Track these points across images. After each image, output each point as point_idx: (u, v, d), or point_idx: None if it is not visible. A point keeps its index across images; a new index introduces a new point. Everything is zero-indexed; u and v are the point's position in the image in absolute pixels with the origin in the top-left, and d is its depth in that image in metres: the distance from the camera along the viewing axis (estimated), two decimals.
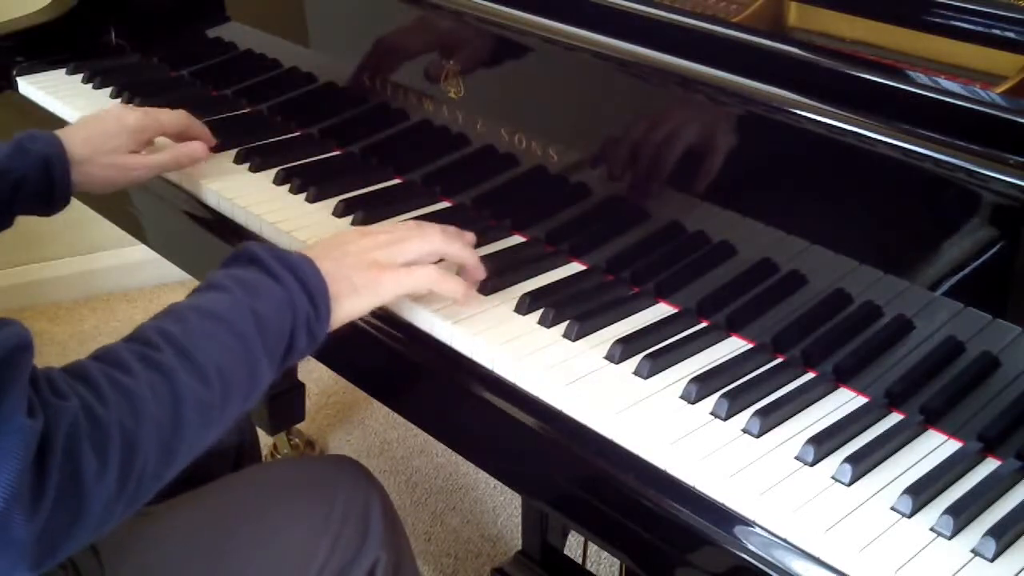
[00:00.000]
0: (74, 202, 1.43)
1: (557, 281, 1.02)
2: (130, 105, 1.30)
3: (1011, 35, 0.88)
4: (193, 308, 0.79)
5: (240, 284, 0.82)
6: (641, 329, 0.94)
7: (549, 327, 0.94)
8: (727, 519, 0.77)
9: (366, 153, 1.25)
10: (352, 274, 0.88)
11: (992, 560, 0.71)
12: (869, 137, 0.81)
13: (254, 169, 1.22)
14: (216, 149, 1.27)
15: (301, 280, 0.83)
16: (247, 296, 0.80)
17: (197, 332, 0.77)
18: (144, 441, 0.70)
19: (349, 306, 0.88)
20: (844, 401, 0.87)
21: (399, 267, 0.91)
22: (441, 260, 0.95)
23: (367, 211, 1.11)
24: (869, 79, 0.84)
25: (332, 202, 1.14)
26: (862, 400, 0.87)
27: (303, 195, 1.16)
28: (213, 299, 0.80)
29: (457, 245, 0.95)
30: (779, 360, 0.91)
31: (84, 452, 0.66)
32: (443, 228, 0.96)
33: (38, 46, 1.53)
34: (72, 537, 0.67)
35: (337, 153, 1.27)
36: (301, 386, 1.86)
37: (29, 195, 1.05)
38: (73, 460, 0.65)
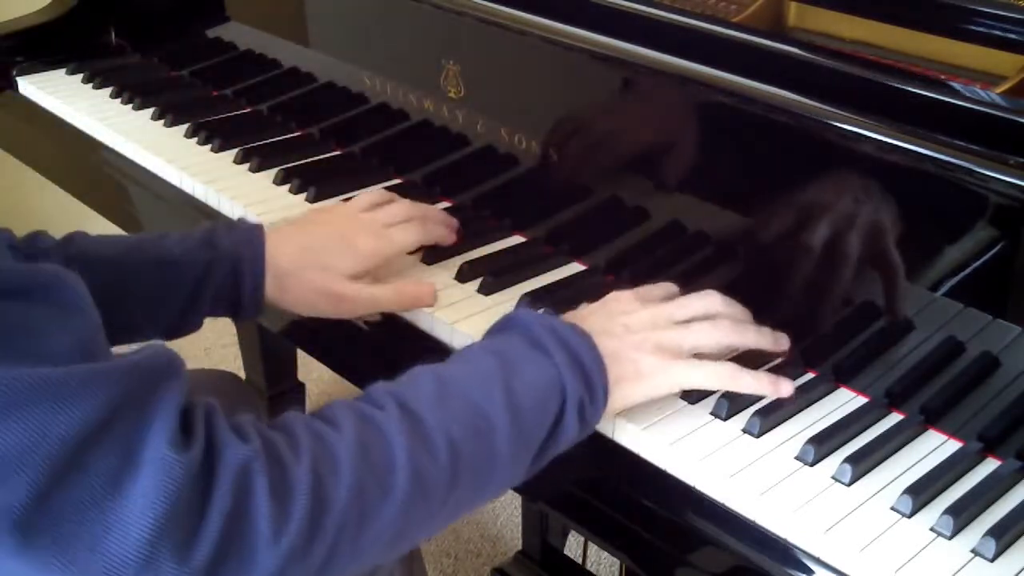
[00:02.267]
0: (74, 202, 1.44)
1: (557, 281, 1.02)
2: (359, 209, 0.99)
3: (1011, 35, 0.88)
4: (434, 372, 0.71)
5: (496, 354, 0.72)
6: None
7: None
8: (727, 519, 0.77)
9: (366, 153, 1.25)
10: (637, 356, 0.77)
11: (992, 560, 0.71)
12: (869, 137, 0.81)
13: (254, 169, 1.22)
14: (216, 149, 1.27)
15: (575, 356, 0.72)
16: (502, 367, 0.71)
17: (432, 397, 0.68)
18: (337, 503, 0.61)
19: (631, 392, 0.78)
20: (844, 401, 0.87)
21: (687, 355, 0.80)
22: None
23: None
24: (869, 79, 0.84)
25: (332, 202, 1.14)
26: (862, 400, 0.87)
27: (303, 195, 1.17)
28: (460, 367, 0.72)
29: (751, 334, 0.83)
30: (779, 360, 0.91)
31: (261, 497, 0.58)
32: (733, 311, 0.84)
33: (38, 46, 1.53)
34: None
35: (337, 153, 1.28)
36: (301, 386, 1.86)
37: (212, 296, 0.90)
38: (243, 506, 0.58)
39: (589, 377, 0.73)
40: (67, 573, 0.56)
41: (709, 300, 0.85)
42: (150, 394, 0.57)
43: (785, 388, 0.83)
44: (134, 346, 0.65)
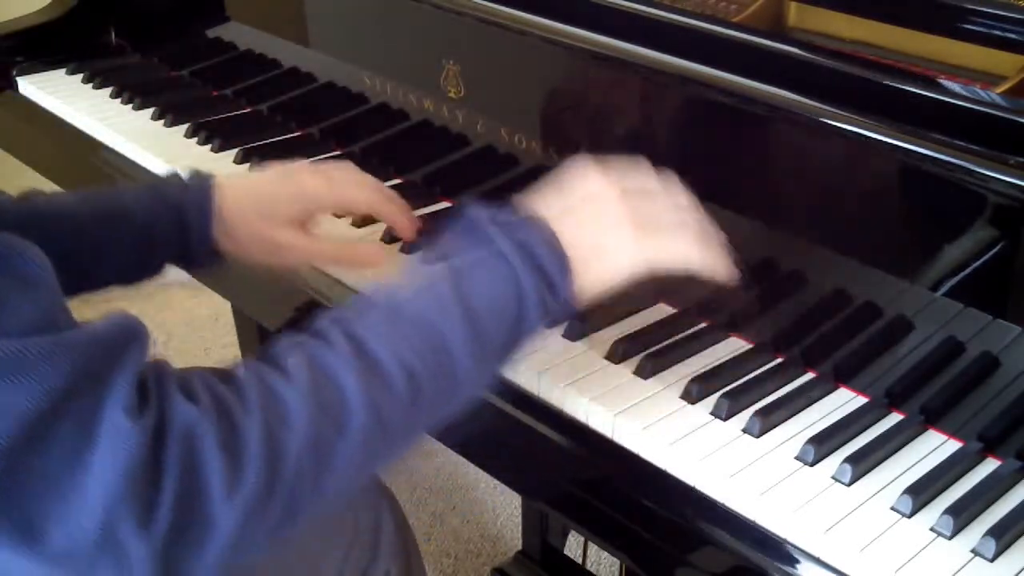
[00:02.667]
0: None
1: None
2: (311, 164, 1.01)
3: (1011, 35, 0.88)
4: (383, 296, 0.69)
5: (448, 263, 0.70)
6: (641, 329, 0.94)
7: (549, 327, 0.94)
8: (727, 519, 0.77)
9: (366, 153, 1.25)
10: (599, 235, 0.73)
11: (992, 560, 0.71)
12: (869, 137, 0.81)
13: (254, 169, 1.22)
14: (216, 149, 1.27)
15: (529, 252, 0.69)
16: (451, 276, 0.68)
17: (379, 323, 0.66)
18: (293, 451, 0.60)
19: (597, 275, 0.73)
20: (844, 401, 0.87)
21: (661, 229, 0.75)
22: None
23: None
24: (869, 79, 0.84)
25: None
26: (862, 400, 0.87)
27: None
28: (410, 285, 0.69)
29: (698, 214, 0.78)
30: (779, 360, 0.91)
31: (208, 458, 0.58)
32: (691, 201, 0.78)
33: (38, 46, 1.53)
34: (201, 558, 0.58)
35: (337, 153, 1.27)
36: None
37: (165, 245, 0.90)
38: (193, 466, 0.57)
39: (546, 270, 0.70)
40: (29, 546, 0.56)
41: (678, 195, 0.79)
42: (108, 365, 0.57)
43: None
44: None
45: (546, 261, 0.70)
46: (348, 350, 0.64)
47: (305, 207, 0.93)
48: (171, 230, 0.89)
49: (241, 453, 0.59)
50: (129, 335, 0.60)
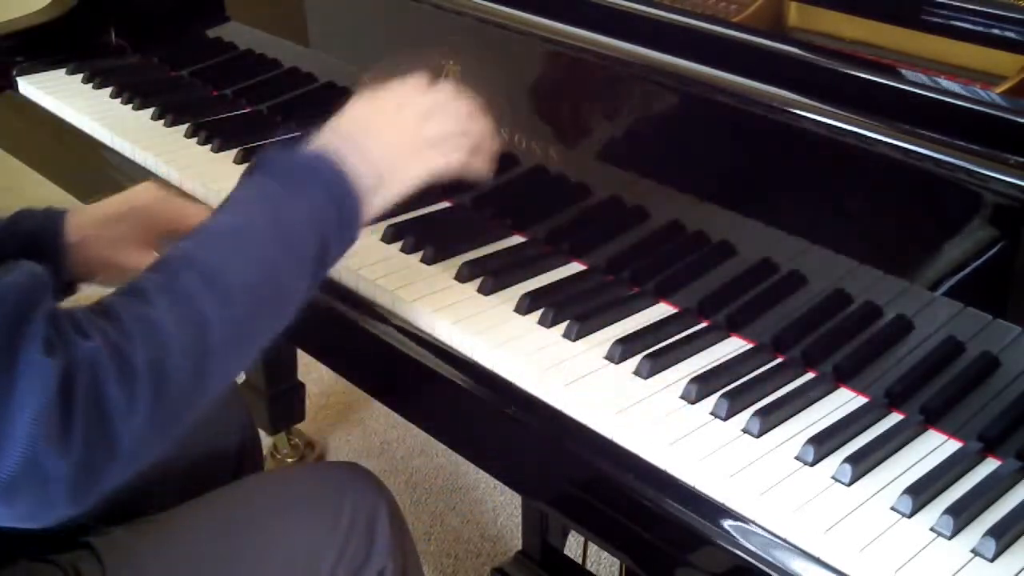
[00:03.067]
0: (74, 201, 1.44)
1: (557, 281, 1.02)
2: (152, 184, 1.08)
3: (1011, 35, 0.88)
4: (212, 231, 0.78)
5: (259, 198, 0.81)
6: (641, 329, 0.94)
7: (549, 327, 0.94)
8: (727, 519, 0.77)
9: None
10: (379, 161, 0.85)
11: (992, 560, 0.71)
12: (869, 137, 0.81)
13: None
14: (216, 149, 1.27)
15: (324, 186, 0.81)
16: (266, 209, 0.79)
17: (218, 254, 0.76)
18: (172, 369, 0.69)
19: (383, 197, 0.86)
20: (844, 401, 0.87)
21: (429, 148, 0.88)
22: None
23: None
24: (869, 79, 0.84)
25: None
26: (862, 400, 0.87)
27: None
28: (233, 218, 0.79)
29: (483, 126, 0.92)
30: (779, 360, 0.91)
31: (109, 388, 0.66)
32: (468, 107, 0.91)
33: (38, 46, 1.53)
34: (108, 470, 0.67)
35: None
36: (301, 386, 1.86)
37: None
38: (98, 396, 0.66)
39: (340, 202, 0.81)
40: None
41: (460, 109, 0.91)
42: (29, 308, 0.65)
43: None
44: None
45: (340, 197, 0.81)
46: (197, 276, 0.73)
47: (140, 221, 1.00)
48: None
49: (133, 379, 0.67)
50: (40, 283, 0.67)
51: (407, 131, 0.88)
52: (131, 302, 0.71)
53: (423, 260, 1.04)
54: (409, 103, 0.89)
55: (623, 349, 0.90)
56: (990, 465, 0.80)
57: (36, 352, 0.63)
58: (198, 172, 1.22)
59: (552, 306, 0.95)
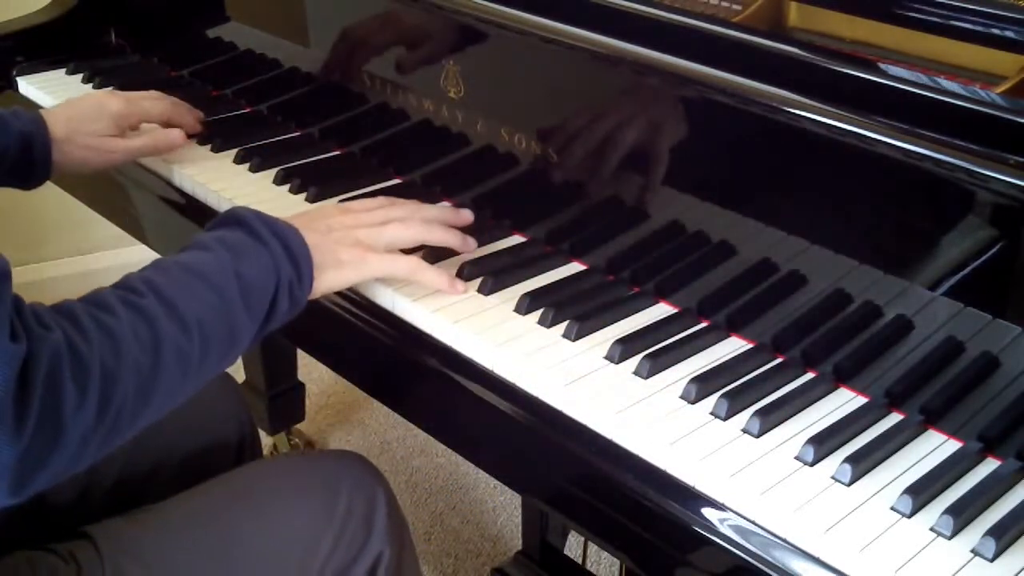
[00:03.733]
0: (74, 202, 1.44)
1: (557, 281, 1.02)
2: (115, 91, 1.31)
3: (1011, 35, 0.88)
4: (177, 263, 0.82)
5: (225, 245, 0.85)
6: (641, 329, 0.94)
7: (549, 327, 0.94)
8: (727, 519, 0.77)
9: (366, 153, 1.25)
10: (337, 248, 0.92)
11: (992, 560, 0.71)
12: (869, 137, 0.81)
13: (254, 169, 1.22)
14: (216, 149, 1.27)
15: (286, 246, 0.86)
16: (231, 257, 0.84)
17: (180, 285, 0.80)
18: (123, 379, 0.72)
19: (332, 278, 0.92)
20: (844, 401, 0.87)
21: (382, 250, 0.95)
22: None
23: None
24: (869, 79, 0.84)
25: (333, 202, 1.14)
26: (862, 400, 0.87)
27: (303, 195, 1.16)
28: (198, 257, 0.83)
29: (438, 232, 0.98)
30: (779, 360, 0.91)
31: (65, 382, 0.68)
32: (424, 213, 1.00)
33: (38, 46, 1.53)
34: (49, 466, 0.69)
35: (337, 153, 1.27)
36: (301, 386, 1.86)
37: (8, 169, 1.09)
38: (54, 388, 0.68)
39: (297, 263, 0.87)
40: None
41: (403, 207, 1.00)
42: None
43: (459, 286, 0.97)
44: None
45: (298, 256, 0.87)
46: (156, 301, 0.77)
47: (115, 122, 1.17)
48: (18, 156, 1.09)
49: (87, 378, 0.70)
50: (5, 271, 0.70)
51: (350, 236, 0.94)
52: (93, 309, 0.74)
53: (424, 258, 1.04)
54: (352, 215, 0.97)
55: (623, 349, 0.90)
56: (990, 465, 0.80)
57: (4, 338, 0.66)
58: (198, 172, 1.21)
59: (552, 306, 0.95)
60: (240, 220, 0.88)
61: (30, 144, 1.10)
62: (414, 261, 0.96)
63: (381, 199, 1.02)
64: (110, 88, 1.41)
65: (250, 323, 0.84)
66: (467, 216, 1.03)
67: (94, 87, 1.45)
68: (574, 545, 1.62)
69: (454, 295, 0.97)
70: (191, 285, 0.80)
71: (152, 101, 1.23)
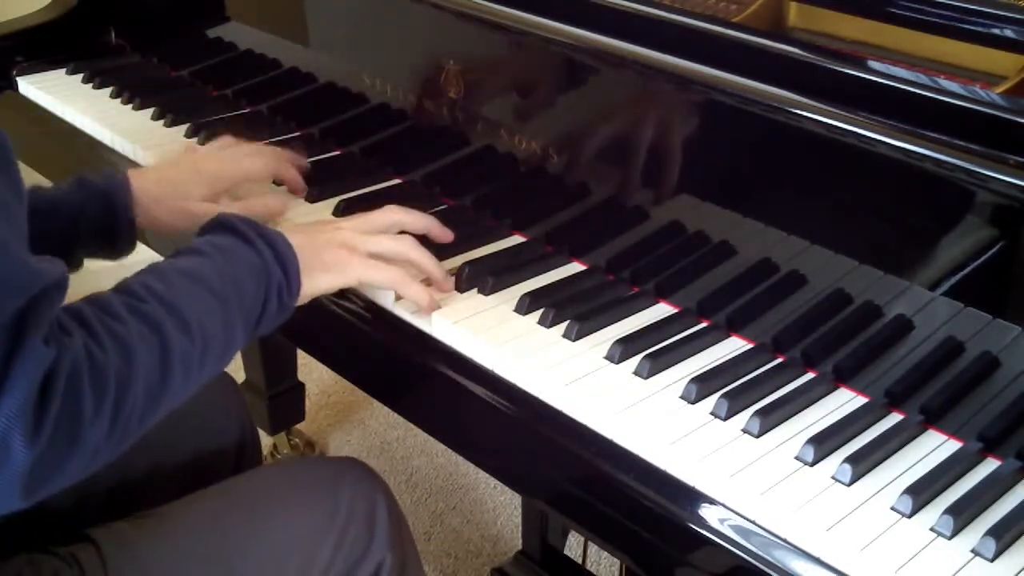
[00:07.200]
0: None
1: (557, 281, 1.02)
2: (212, 150, 1.17)
3: (1011, 35, 0.88)
4: (174, 268, 0.83)
5: (218, 250, 0.86)
6: (641, 329, 0.94)
7: (549, 327, 0.94)
8: (727, 519, 0.77)
9: (366, 153, 1.25)
10: (323, 251, 0.93)
11: (992, 560, 0.71)
12: (869, 137, 0.81)
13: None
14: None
15: (274, 250, 0.87)
16: (225, 261, 0.85)
17: (179, 289, 0.80)
18: (135, 386, 0.73)
19: (318, 281, 0.92)
20: (844, 401, 0.87)
21: (368, 256, 0.95)
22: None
23: (367, 211, 1.11)
24: (869, 79, 0.84)
25: (332, 202, 1.14)
26: (862, 400, 0.87)
27: (303, 195, 1.16)
28: (193, 261, 0.84)
29: (426, 258, 0.98)
30: (779, 360, 0.91)
31: (84, 389, 0.69)
32: (414, 240, 0.98)
33: (38, 46, 1.53)
34: (63, 471, 0.70)
35: (337, 153, 1.27)
36: (301, 386, 1.86)
37: (89, 232, 1.01)
38: (74, 396, 0.69)
39: (285, 266, 0.88)
40: None
41: (395, 216, 1.00)
42: (50, 303, 0.69)
43: (435, 306, 0.96)
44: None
45: (286, 260, 0.88)
46: (159, 306, 0.78)
47: (212, 187, 1.08)
48: (98, 219, 1.02)
49: (103, 386, 0.71)
50: (62, 281, 0.71)
51: (337, 240, 0.95)
52: (102, 316, 0.74)
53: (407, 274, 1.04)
54: (340, 223, 0.97)
55: (623, 349, 0.90)
56: (990, 465, 0.80)
57: (40, 339, 0.67)
58: None
59: (552, 306, 0.95)
60: (229, 225, 0.88)
61: (111, 205, 1.02)
62: (399, 272, 0.95)
63: (379, 215, 1.00)
64: (120, 101, 1.40)
65: (243, 326, 0.84)
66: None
67: (94, 87, 1.45)
68: (574, 545, 1.62)
69: (430, 313, 0.96)
70: (189, 290, 0.81)
71: (252, 159, 1.13)
